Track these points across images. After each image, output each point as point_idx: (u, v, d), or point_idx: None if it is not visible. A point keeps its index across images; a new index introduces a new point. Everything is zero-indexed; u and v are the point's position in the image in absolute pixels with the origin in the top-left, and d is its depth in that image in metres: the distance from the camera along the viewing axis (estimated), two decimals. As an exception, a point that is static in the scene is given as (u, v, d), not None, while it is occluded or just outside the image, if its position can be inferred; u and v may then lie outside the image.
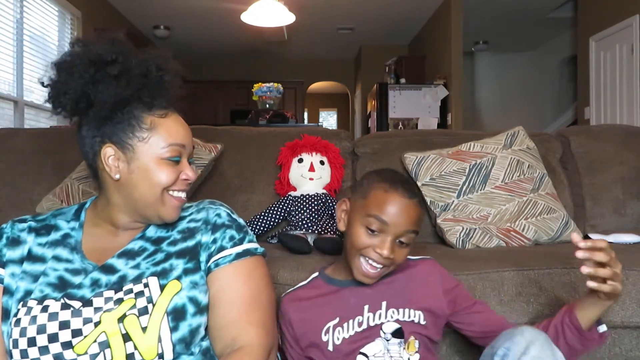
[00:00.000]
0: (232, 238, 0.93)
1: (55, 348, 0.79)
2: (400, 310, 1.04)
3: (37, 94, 4.36)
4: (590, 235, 1.77)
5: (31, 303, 0.84)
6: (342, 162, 1.88)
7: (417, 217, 1.02)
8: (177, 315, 0.83)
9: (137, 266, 0.89)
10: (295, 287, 1.14)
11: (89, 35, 0.96)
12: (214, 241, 0.92)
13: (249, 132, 2.03)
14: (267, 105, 4.36)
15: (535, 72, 7.82)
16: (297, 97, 8.34)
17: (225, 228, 0.94)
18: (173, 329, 0.82)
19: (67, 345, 0.79)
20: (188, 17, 6.33)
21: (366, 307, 1.04)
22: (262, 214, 1.75)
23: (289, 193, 1.79)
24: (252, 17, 4.39)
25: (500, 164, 1.77)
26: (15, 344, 0.81)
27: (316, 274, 1.15)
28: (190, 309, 0.84)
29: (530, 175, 1.77)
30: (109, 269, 0.88)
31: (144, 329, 0.81)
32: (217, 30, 6.88)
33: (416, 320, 1.03)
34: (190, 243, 0.92)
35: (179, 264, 0.89)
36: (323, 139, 1.87)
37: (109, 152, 0.90)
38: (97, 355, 0.80)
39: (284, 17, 4.45)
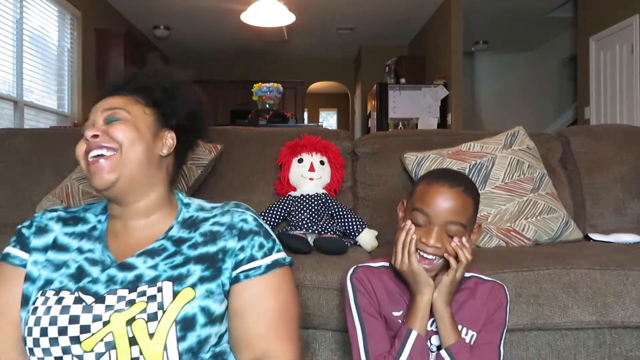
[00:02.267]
0: (261, 246, 0.91)
1: (64, 341, 0.80)
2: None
3: (37, 94, 4.36)
4: (590, 235, 1.77)
5: (49, 293, 0.85)
6: (342, 162, 1.88)
7: (460, 207, 1.00)
8: (186, 325, 0.81)
9: (155, 267, 0.88)
10: (366, 264, 1.14)
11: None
12: (242, 249, 0.90)
13: (249, 132, 2.03)
14: (267, 105, 4.35)
15: (536, 72, 7.82)
16: (297, 97, 8.33)
17: (254, 235, 0.91)
18: (180, 339, 0.80)
19: (75, 340, 0.80)
20: (188, 17, 6.33)
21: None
22: (262, 214, 1.75)
23: (289, 193, 1.79)
24: (252, 17, 4.39)
25: (500, 164, 1.77)
26: (30, 331, 0.82)
27: (386, 263, 1.14)
28: (201, 319, 0.82)
29: (530, 175, 1.77)
30: (126, 267, 0.88)
31: (151, 335, 0.79)
32: (217, 30, 6.88)
33: (467, 340, 1.04)
34: (212, 249, 0.90)
35: (196, 270, 0.87)
36: (323, 139, 1.87)
37: None
38: (102, 354, 0.79)
39: (284, 17, 4.45)
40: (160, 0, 5.74)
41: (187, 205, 1.00)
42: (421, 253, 1.02)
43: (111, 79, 1.02)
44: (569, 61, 7.04)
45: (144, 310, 0.81)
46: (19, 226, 0.96)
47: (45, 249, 0.91)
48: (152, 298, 0.82)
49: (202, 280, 0.86)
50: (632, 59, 4.42)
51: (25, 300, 0.87)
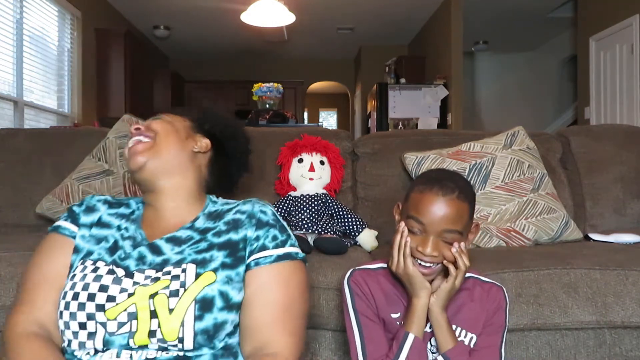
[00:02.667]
0: (274, 238, 0.95)
1: (90, 307, 0.84)
2: (454, 326, 1.04)
3: (37, 94, 4.36)
4: (590, 235, 1.77)
5: (87, 262, 0.92)
6: (342, 162, 1.88)
7: (455, 215, 0.99)
8: (204, 305, 0.85)
9: (181, 252, 0.93)
10: (363, 266, 1.14)
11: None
12: (257, 238, 0.94)
13: (249, 132, 2.02)
14: (267, 106, 4.35)
15: (536, 72, 7.82)
16: (297, 97, 8.33)
17: (269, 227, 0.96)
18: (197, 318, 0.83)
19: (100, 307, 0.84)
20: (188, 17, 6.33)
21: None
22: (262, 214, 1.74)
23: (289, 193, 1.79)
24: (252, 17, 4.39)
25: (500, 164, 1.77)
26: (64, 295, 0.87)
27: (384, 264, 1.13)
28: (219, 302, 0.86)
29: (530, 175, 1.77)
30: (155, 249, 0.94)
31: (170, 310, 0.83)
32: (217, 30, 6.88)
33: (467, 342, 1.04)
34: (235, 236, 0.95)
35: (219, 256, 0.91)
36: (323, 139, 1.87)
37: None
38: (124, 324, 0.84)
39: (284, 17, 4.45)
40: (160, 0, 5.74)
41: (215, 202, 1.08)
42: (419, 261, 1.01)
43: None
44: (569, 61, 7.04)
45: (167, 287, 0.86)
46: (71, 205, 1.07)
47: (90, 226, 1.00)
48: (176, 277, 0.87)
49: (223, 266, 0.90)
50: (632, 59, 4.42)
51: (70, 269, 0.94)
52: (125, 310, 0.84)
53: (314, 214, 1.70)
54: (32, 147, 2.00)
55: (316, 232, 1.65)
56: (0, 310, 1.26)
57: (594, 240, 1.73)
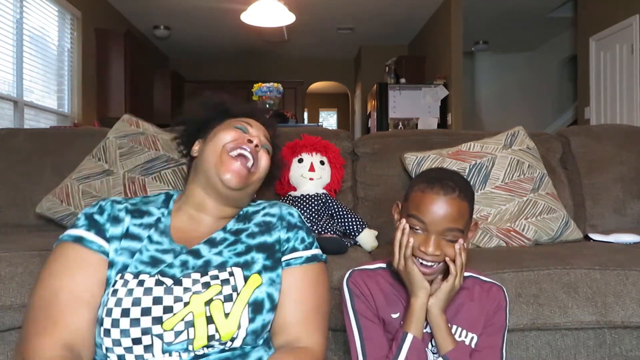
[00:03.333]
0: (303, 240, 1.00)
1: (145, 322, 0.83)
2: (455, 327, 1.04)
3: (37, 94, 4.36)
4: (590, 235, 1.77)
5: (128, 276, 0.88)
6: (342, 162, 1.88)
7: (456, 213, 0.99)
8: (256, 307, 0.88)
9: (220, 253, 0.95)
10: (362, 267, 1.14)
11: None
12: (288, 240, 0.99)
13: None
14: (267, 105, 4.35)
15: (536, 72, 7.82)
16: (297, 97, 8.33)
17: (298, 229, 1.01)
18: (251, 320, 0.87)
19: (158, 320, 0.83)
20: (188, 17, 6.33)
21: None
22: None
23: (289, 193, 1.79)
24: (252, 17, 4.39)
25: (500, 164, 1.77)
26: (109, 312, 0.83)
27: (383, 265, 1.14)
28: (267, 304, 0.90)
29: (530, 175, 1.77)
30: (195, 253, 0.94)
31: (226, 315, 0.86)
32: (217, 30, 6.88)
33: (467, 342, 1.04)
34: (269, 239, 0.98)
35: (259, 259, 0.95)
36: (323, 139, 1.87)
37: (196, 145, 1.11)
38: (181, 332, 0.84)
39: (284, 17, 4.45)
40: (160, 0, 5.74)
41: None
42: (421, 261, 1.01)
43: (256, 106, 1.23)
44: (569, 61, 7.04)
45: (220, 293, 0.87)
46: (88, 211, 0.97)
47: (120, 238, 0.94)
48: (226, 282, 0.89)
49: (265, 268, 0.94)
50: (632, 59, 4.42)
51: (107, 286, 0.89)
52: (182, 319, 0.84)
53: (314, 214, 1.70)
54: (32, 147, 2.00)
55: (316, 232, 1.65)
56: (0, 310, 1.25)
57: (594, 240, 1.73)
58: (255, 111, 1.17)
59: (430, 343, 1.04)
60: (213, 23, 6.54)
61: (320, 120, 11.89)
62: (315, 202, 1.73)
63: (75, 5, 4.89)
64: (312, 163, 1.79)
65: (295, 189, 1.80)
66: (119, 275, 0.89)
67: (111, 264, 0.91)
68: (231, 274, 0.90)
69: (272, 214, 1.03)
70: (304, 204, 1.72)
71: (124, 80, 5.49)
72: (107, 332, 0.82)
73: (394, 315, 1.07)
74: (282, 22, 4.58)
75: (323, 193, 1.77)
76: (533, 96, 7.83)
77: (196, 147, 1.10)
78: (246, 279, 0.90)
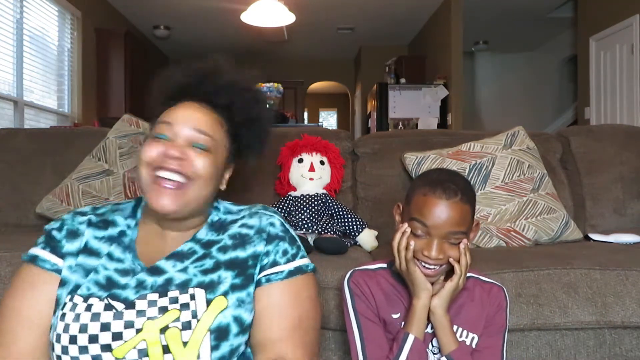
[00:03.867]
0: (285, 252, 0.91)
1: (94, 349, 0.78)
2: (455, 327, 1.04)
3: (37, 94, 4.36)
4: (590, 235, 1.77)
5: (77, 299, 0.82)
6: (342, 162, 1.88)
7: (459, 217, 0.99)
8: (220, 334, 0.81)
9: (184, 270, 0.86)
10: (363, 267, 1.14)
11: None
12: (267, 254, 0.90)
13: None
14: (267, 106, 4.35)
15: (536, 72, 7.82)
16: (297, 97, 8.33)
17: (279, 240, 0.92)
18: (214, 348, 0.80)
19: (107, 348, 0.78)
20: (188, 17, 6.33)
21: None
22: (262, 214, 1.74)
23: (289, 193, 1.79)
24: (252, 17, 4.39)
25: (500, 164, 1.77)
26: (59, 338, 0.80)
27: (384, 265, 1.13)
28: (234, 329, 0.82)
29: (530, 175, 1.77)
30: (156, 271, 0.86)
31: (184, 344, 0.79)
32: (217, 30, 6.88)
33: (468, 343, 1.04)
34: (242, 254, 0.89)
35: (227, 278, 0.86)
36: (323, 139, 1.86)
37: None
38: None
39: (284, 17, 4.45)
40: (160, 0, 5.74)
41: (216, 208, 1.00)
42: (424, 264, 1.01)
43: (199, 74, 0.98)
44: (569, 61, 7.03)
45: (178, 319, 0.80)
46: (48, 227, 0.92)
47: (77, 253, 0.89)
48: (185, 306, 0.81)
49: (233, 288, 0.85)
50: (632, 59, 4.42)
51: (57, 305, 0.84)
52: (134, 347, 0.78)
53: (314, 214, 1.70)
54: (32, 147, 2.00)
55: (316, 232, 1.65)
56: (0, 310, 1.25)
57: (594, 240, 1.73)
58: (187, 87, 0.96)
59: (430, 343, 1.04)
60: (213, 23, 6.54)
61: (320, 120, 11.89)
62: (315, 202, 1.73)
63: (75, 5, 4.89)
64: (312, 163, 1.79)
65: (295, 189, 1.80)
66: (69, 297, 0.83)
67: (63, 282, 0.86)
68: (192, 296, 0.82)
69: (249, 226, 0.92)
70: (304, 204, 1.72)
71: (124, 80, 5.49)
72: (59, 358, 0.80)
73: (395, 316, 1.07)
74: (282, 22, 4.58)
75: (323, 193, 1.77)
76: (533, 96, 7.83)
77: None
78: (209, 302, 0.82)
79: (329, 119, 12.05)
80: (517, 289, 1.28)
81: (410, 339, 1.00)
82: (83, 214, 0.94)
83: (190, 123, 0.90)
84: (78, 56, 4.99)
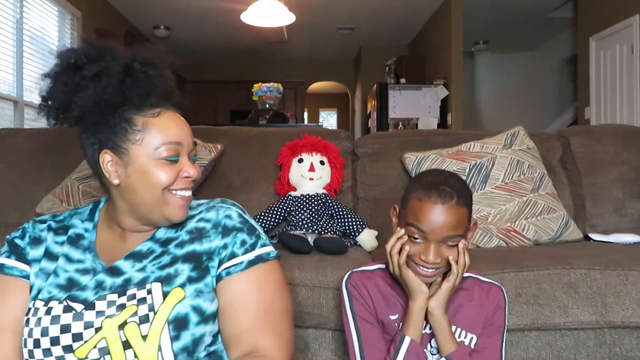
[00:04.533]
0: (243, 243, 0.90)
1: (57, 351, 0.80)
2: (454, 327, 1.04)
3: (37, 94, 4.35)
4: (590, 235, 1.77)
5: (38, 304, 0.84)
6: (342, 162, 1.88)
7: (455, 221, 0.98)
8: (179, 324, 0.81)
9: (143, 269, 0.87)
10: (361, 268, 1.14)
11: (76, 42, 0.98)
12: (225, 247, 0.89)
13: (249, 132, 2.03)
14: (267, 105, 4.36)
15: (535, 72, 7.81)
16: (297, 97, 8.33)
17: (237, 232, 0.91)
18: (174, 338, 0.80)
19: (68, 349, 0.79)
20: (188, 17, 6.33)
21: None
22: (262, 214, 1.75)
23: (289, 193, 1.79)
24: (252, 17, 4.39)
25: (500, 164, 1.77)
26: (25, 343, 0.82)
27: (383, 265, 1.13)
28: (194, 318, 0.82)
29: (530, 175, 1.77)
30: (115, 271, 0.87)
31: (144, 337, 0.79)
32: (217, 30, 6.88)
33: (466, 343, 1.04)
34: (198, 247, 0.89)
35: (184, 270, 0.86)
36: (323, 139, 1.87)
37: (106, 159, 0.89)
38: None
39: (284, 17, 4.45)
40: (160, 0, 5.74)
41: None
42: (422, 268, 1.01)
43: (160, 82, 0.94)
44: (569, 61, 7.03)
45: (135, 314, 0.81)
46: (10, 237, 0.93)
47: (40, 259, 0.90)
48: (142, 300, 0.82)
49: (190, 280, 0.85)
50: (632, 59, 4.42)
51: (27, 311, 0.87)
52: (95, 347, 0.79)
53: (314, 214, 1.70)
54: (32, 147, 2.00)
55: (316, 232, 1.65)
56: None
57: (594, 240, 1.73)
58: (163, 98, 0.93)
59: (429, 344, 1.04)
60: (213, 23, 6.54)
61: (320, 120, 11.89)
62: (315, 202, 1.73)
63: (75, 5, 4.89)
64: (312, 163, 1.79)
65: (295, 189, 1.80)
66: (32, 302, 0.85)
67: (31, 288, 0.88)
68: (149, 291, 0.83)
69: (206, 219, 0.92)
70: (304, 204, 1.72)
71: (124, 80, 5.48)
72: None
73: (393, 317, 1.07)
74: (282, 22, 4.58)
75: (323, 193, 1.78)
76: (533, 96, 7.83)
77: (112, 169, 0.88)
78: (165, 295, 0.82)
79: (329, 119, 12.05)
80: (517, 289, 1.28)
81: (407, 341, 1.00)
82: (43, 221, 0.95)
83: (189, 138, 0.93)
84: (78, 56, 4.98)
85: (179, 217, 0.90)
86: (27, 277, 0.89)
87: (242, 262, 0.89)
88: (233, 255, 0.89)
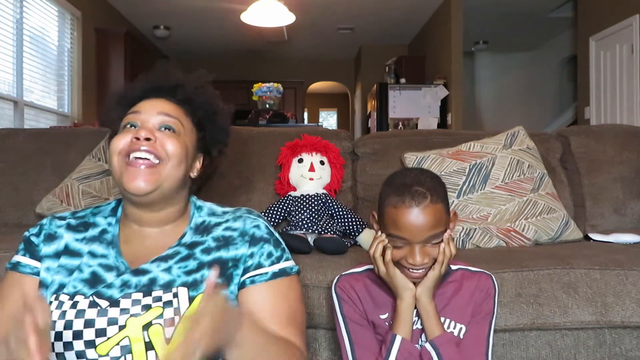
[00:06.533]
0: (270, 255, 0.92)
1: (78, 345, 0.80)
2: (443, 319, 1.04)
3: (37, 94, 4.36)
4: (590, 235, 1.77)
5: (63, 297, 0.85)
6: (342, 162, 1.88)
7: (434, 220, 0.98)
8: None
9: (168, 270, 0.88)
10: (350, 271, 1.14)
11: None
12: (252, 255, 0.90)
13: (249, 132, 2.03)
14: (267, 105, 4.35)
15: (535, 72, 7.81)
16: (297, 97, 8.33)
17: (264, 242, 0.92)
18: None
19: (90, 344, 0.80)
20: (188, 17, 6.33)
21: (414, 311, 1.04)
22: (262, 214, 1.75)
23: (289, 193, 1.79)
24: (252, 17, 4.39)
25: (500, 164, 1.77)
26: None
27: (371, 266, 1.13)
28: None
29: (530, 175, 1.77)
30: (140, 272, 0.88)
31: (167, 340, 0.79)
32: (217, 30, 6.88)
33: (456, 333, 1.04)
34: (225, 254, 0.90)
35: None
36: (323, 139, 1.87)
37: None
38: (118, 358, 0.80)
39: (284, 17, 4.45)
40: (160, 0, 5.74)
41: (200, 208, 1.00)
42: (411, 270, 1.01)
43: (156, 77, 1.01)
44: (569, 61, 7.03)
45: (161, 316, 0.81)
46: (27, 234, 0.95)
47: (57, 255, 0.91)
48: (168, 304, 0.83)
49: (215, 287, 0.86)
50: (632, 59, 4.42)
51: None
52: (117, 344, 0.79)
53: (314, 214, 1.70)
54: (32, 147, 2.00)
55: (316, 232, 1.65)
56: None
57: (594, 240, 1.73)
58: (147, 90, 0.98)
59: (420, 339, 1.04)
60: (213, 23, 6.54)
61: (320, 120, 11.89)
62: (315, 202, 1.73)
63: (75, 5, 4.89)
64: (312, 163, 1.79)
65: (295, 189, 1.80)
66: (54, 296, 0.86)
67: (44, 284, 0.88)
68: (175, 295, 0.84)
69: (233, 228, 0.93)
70: (304, 204, 1.72)
71: (124, 81, 5.48)
72: None
73: (383, 316, 1.07)
74: (282, 22, 4.58)
75: (323, 193, 1.78)
76: (533, 96, 7.83)
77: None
78: (192, 299, 0.83)
79: (329, 119, 12.05)
80: (517, 289, 1.28)
81: (398, 340, 1.00)
82: (62, 218, 0.96)
83: (157, 109, 0.93)
84: (78, 56, 4.99)
85: (131, 185, 0.86)
86: (37, 273, 0.90)
87: (267, 273, 0.90)
88: (259, 266, 0.90)
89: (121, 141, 0.89)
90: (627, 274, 1.30)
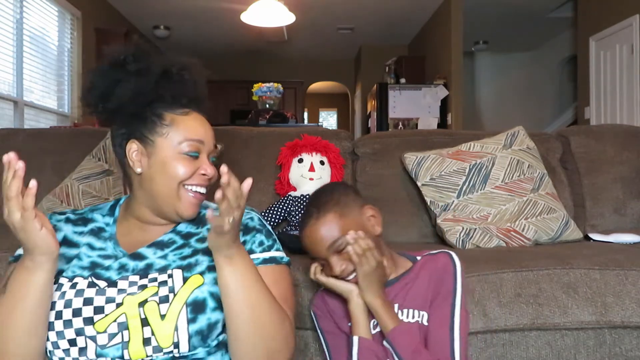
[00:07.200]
0: (261, 243, 0.96)
1: (77, 323, 0.83)
2: (406, 311, 1.04)
3: (37, 94, 4.36)
4: (590, 235, 1.77)
5: (62, 280, 0.88)
6: (342, 162, 1.88)
7: (323, 233, 1.03)
8: (196, 307, 0.85)
9: (164, 257, 0.92)
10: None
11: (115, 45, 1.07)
12: (244, 243, 0.94)
13: (249, 132, 2.03)
14: (267, 105, 4.36)
15: (535, 72, 7.82)
16: (297, 97, 8.33)
17: (256, 232, 0.96)
18: (191, 320, 0.84)
19: (89, 321, 0.83)
20: (188, 17, 6.33)
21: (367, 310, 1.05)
22: (262, 214, 1.75)
23: (289, 193, 1.79)
24: (252, 17, 4.39)
25: (500, 164, 1.77)
26: None
27: None
28: (211, 303, 0.86)
29: (530, 175, 1.77)
30: (137, 256, 0.92)
31: (162, 316, 0.83)
32: (217, 30, 6.88)
33: (421, 321, 1.03)
34: None
35: (204, 261, 0.91)
36: (323, 139, 1.87)
37: (132, 148, 0.95)
38: (115, 335, 0.83)
39: (284, 17, 4.45)
40: (160, 0, 5.74)
41: None
42: (346, 279, 1.05)
43: (193, 86, 1.01)
44: (569, 61, 7.04)
45: (156, 294, 0.85)
46: None
47: None
48: (163, 283, 0.86)
49: (209, 269, 0.89)
50: (632, 59, 4.42)
51: None
52: (114, 321, 0.83)
53: (314, 214, 1.70)
54: (32, 147, 2.00)
55: (316, 232, 1.65)
56: None
57: (594, 240, 1.73)
58: (193, 101, 1.00)
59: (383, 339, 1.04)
60: (213, 23, 6.54)
61: (320, 120, 11.89)
62: (315, 202, 1.73)
63: (75, 5, 4.89)
64: (312, 163, 1.79)
65: (295, 189, 1.80)
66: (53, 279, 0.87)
67: None
68: (170, 275, 0.88)
69: None
70: (304, 204, 1.72)
71: (124, 80, 5.48)
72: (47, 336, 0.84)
73: (349, 324, 1.08)
74: (282, 22, 4.58)
75: (323, 193, 1.77)
76: (533, 96, 7.83)
77: (136, 158, 0.94)
78: (185, 279, 0.87)
79: (329, 119, 12.05)
80: (516, 289, 1.28)
81: (355, 340, 1.02)
82: (62, 213, 1.01)
83: (211, 139, 0.99)
84: (78, 56, 4.99)
85: (189, 213, 0.94)
86: None
87: (258, 259, 0.93)
88: (251, 252, 0.93)
89: (184, 170, 0.93)
90: (627, 274, 1.30)
